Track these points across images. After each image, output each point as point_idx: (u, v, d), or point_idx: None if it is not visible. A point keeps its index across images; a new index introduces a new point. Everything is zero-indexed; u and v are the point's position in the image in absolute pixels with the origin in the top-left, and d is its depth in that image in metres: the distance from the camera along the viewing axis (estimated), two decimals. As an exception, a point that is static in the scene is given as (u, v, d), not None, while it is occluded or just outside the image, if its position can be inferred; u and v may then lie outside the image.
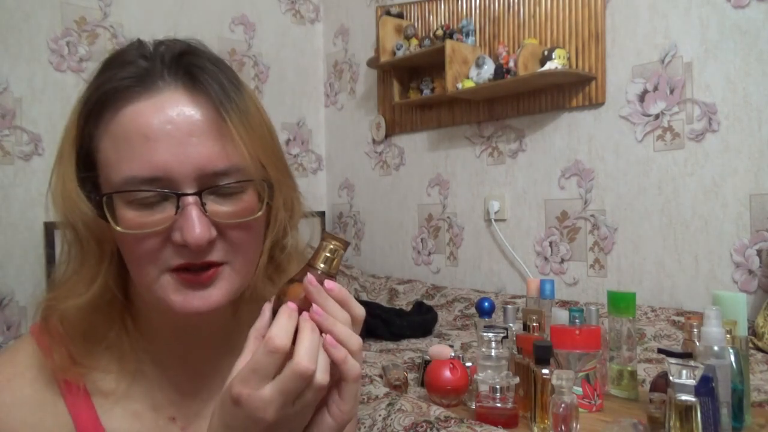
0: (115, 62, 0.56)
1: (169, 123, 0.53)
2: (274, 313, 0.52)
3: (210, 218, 0.54)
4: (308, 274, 0.51)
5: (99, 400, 0.59)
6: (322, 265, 0.52)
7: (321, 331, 0.50)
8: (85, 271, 0.57)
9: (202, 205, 0.53)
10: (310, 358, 0.48)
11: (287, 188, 0.61)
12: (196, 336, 0.63)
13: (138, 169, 0.52)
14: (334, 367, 0.50)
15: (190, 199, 0.53)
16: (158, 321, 0.61)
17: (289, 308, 0.50)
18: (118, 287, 0.59)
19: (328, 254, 0.53)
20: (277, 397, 0.47)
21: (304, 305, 0.51)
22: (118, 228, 0.53)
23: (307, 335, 0.49)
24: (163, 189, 0.53)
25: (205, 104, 0.54)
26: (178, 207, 0.53)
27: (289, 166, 0.62)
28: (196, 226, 0.52)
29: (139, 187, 0.52)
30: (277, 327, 0.48)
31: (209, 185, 0.54)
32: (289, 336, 0.48)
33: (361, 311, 0.53)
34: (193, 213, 0.52)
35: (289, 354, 0.48)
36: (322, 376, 0.49)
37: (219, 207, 0.55)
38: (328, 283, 0.52)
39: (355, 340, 0.51)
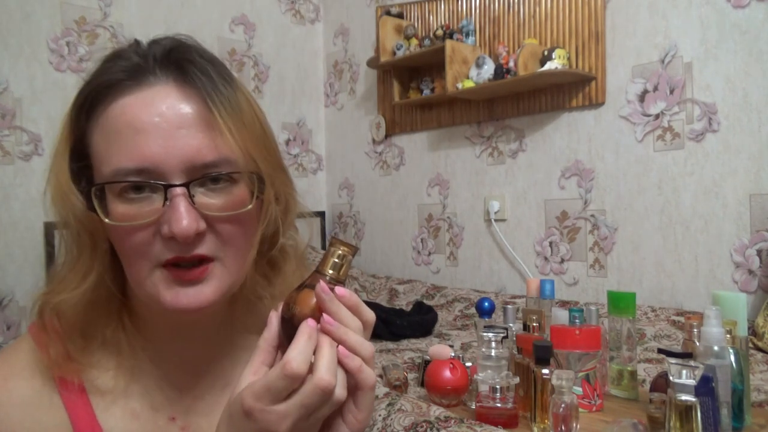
0: (110, 59, 0.57)
1: (159, 116, 0.53)
2: (283, 320, 0.52)
3: (199, 210, 0.53)
4: (320, 281, 0.50)
5: (96, 399, 0.59)
6: (330, 271, 0.52)
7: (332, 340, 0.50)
8: (79, 266, 0.56)
9: (191, 197, 0.53)
10: (331, 372, 0.48)
11: (280, 183, 0.60)
12: (192, 333, 0.63)
13: (126, 160, 0.52)
14: (349, 377, 0.50)
15: (178, 190, 0.53)
16: (155, 318, 0.61)
17: (309, 327, 0.49)
18: (116, 284, 0.59)
19: (336, 260, 0.52)
20: (294, 411, 0.47)
21: (316, 312, 0.50)
22: (107, 220, 0.53)
23: (327, 350, 0.49)
24: (151, 180, 0.53)
25: (194, 97, 0.54)
26: (166, 199, 0.53)
27: (284, 163, 0.62)
28: (183, 218, 0.52)
29: (126, 178, 0.52)
30: (296, 350, 0.48)
31: (197, 177, 0.54)
32: (307, 361, 0.48)
33: (371, 316, 0.53)
34: (181, 204, 0.52)
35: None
36: (340, 391, 0.49)
37: (208, 200, 0.54)
38: (339, 289, 0.51)
39: (367, 347, 0.51)
